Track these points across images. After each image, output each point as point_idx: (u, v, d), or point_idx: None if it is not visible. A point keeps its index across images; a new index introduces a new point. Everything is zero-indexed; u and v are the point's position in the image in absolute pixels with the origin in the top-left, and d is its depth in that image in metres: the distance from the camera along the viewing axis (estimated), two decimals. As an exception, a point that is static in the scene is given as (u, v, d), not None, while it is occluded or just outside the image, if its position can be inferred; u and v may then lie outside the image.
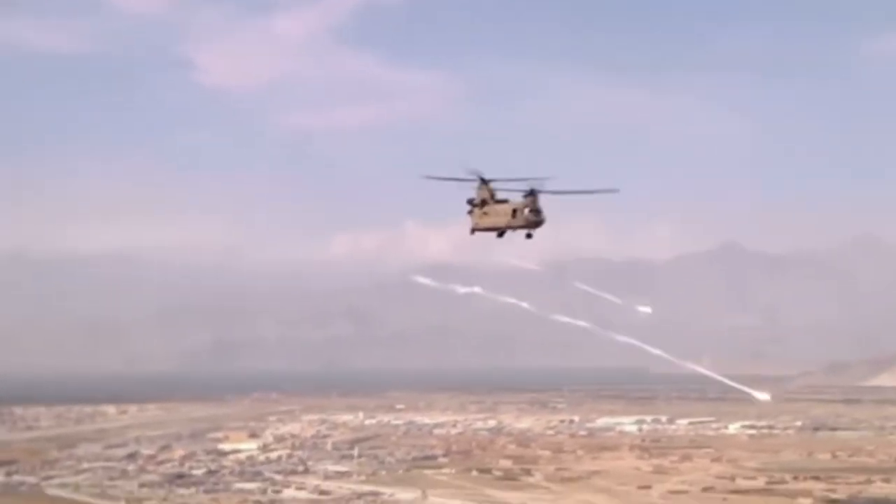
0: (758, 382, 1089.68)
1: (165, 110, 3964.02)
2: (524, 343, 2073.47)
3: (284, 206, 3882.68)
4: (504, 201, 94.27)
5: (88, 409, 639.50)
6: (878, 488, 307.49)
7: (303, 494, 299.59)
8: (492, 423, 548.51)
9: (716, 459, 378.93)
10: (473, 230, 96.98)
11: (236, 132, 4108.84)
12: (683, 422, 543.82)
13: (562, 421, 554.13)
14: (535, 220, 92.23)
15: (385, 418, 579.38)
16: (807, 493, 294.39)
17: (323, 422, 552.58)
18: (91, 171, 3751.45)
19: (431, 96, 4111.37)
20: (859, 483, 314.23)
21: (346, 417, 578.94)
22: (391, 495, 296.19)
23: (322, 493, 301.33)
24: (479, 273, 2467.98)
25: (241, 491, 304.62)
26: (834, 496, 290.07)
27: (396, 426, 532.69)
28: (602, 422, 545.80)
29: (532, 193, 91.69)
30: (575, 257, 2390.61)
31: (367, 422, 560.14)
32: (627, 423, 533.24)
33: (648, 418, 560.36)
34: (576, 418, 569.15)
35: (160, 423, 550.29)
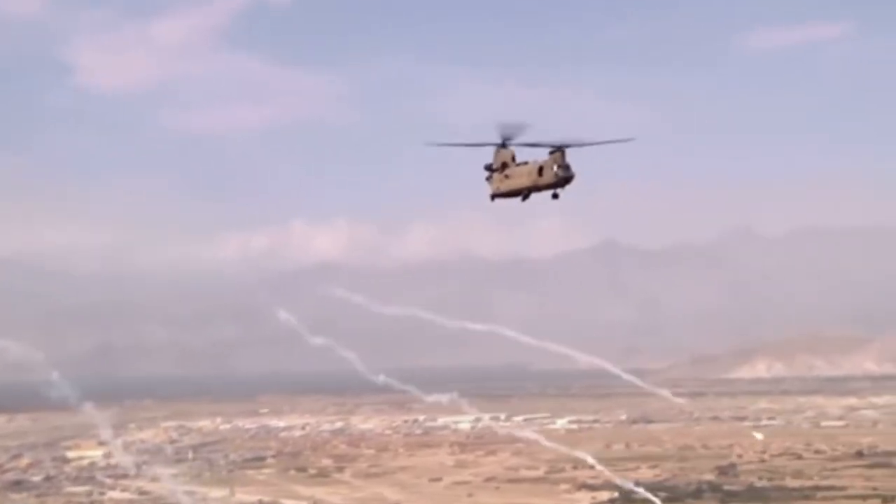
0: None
1: (46, 114, 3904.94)
2: (417, 341, 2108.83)
3: (171, 208, 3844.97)
4: (525, 163, 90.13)
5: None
6: (640, 473, 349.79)
7: (124, 495, 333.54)
8: (339, 424, 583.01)
9: (517, 453, 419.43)
10: (494, 196, 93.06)
11: (121, 135, 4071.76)
12: (519, 418, 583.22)
13: (405, 421, 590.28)
14: (564, 177, 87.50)
15: (241, 423, 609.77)
16: (572, 480, 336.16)
17: (179, 427, 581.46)
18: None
19: (317, 96, 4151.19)
20: (627, 470, 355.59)
21: (204, 423, 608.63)
22: (204, 493, 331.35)
23: (142, 493, 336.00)
24: (365, 272, 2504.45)
25: (70, 494, 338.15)
26: (592, 482, 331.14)
27: (248, 430, 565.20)
28: (442, 420, 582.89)
29: (559, 149, 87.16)
30: (458, 256, 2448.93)
31: (223, 426, 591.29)
32: (465, 422, 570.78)
33: (487, 416, 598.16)
34: (420, 418, 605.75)
35: (23, 433, 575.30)
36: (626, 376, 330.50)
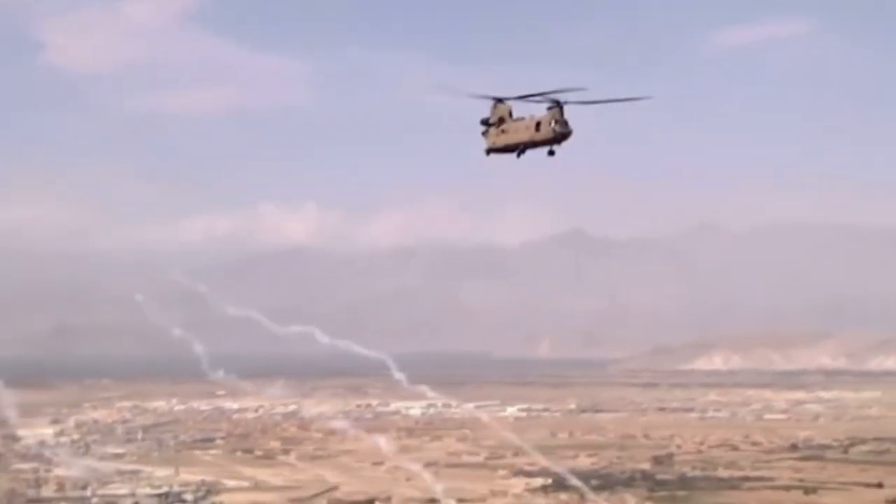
0: (586, 366, 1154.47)
1: (13, 91, 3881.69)
2: (379, 327, 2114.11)
3: (136, 189, 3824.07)
4: (523, 118, 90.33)
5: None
6: (577, 461, 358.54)
7: (70, 472, 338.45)
8: (292, 407, 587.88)
9: (462, 439, 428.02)
10: (489, 151, 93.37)
11: (87, 114, 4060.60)
12: (470, 405, 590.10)
13: (358, 405, 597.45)
14: (562, 132, 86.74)
15: (196, 404, 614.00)
16: (510, 466, 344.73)
17: (134, 408, 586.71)
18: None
19: (288, 81, 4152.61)
20: (565, 458, 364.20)
21: (159, 403, 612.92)
22: (150, 472, 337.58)
23: (89, 471, 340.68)
24: (333, 257, 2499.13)
25: (17, 471, 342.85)
26: (529, 468, 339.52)
27: (202, 411, 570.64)
28: (394, 406, 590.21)
29: (557, 104, 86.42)
30: (425, 242, 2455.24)
31: (177, 407, 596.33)
32: (417, 407, 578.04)
33: (439, 403, 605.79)
34: (374, 402, 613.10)
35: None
36: None
